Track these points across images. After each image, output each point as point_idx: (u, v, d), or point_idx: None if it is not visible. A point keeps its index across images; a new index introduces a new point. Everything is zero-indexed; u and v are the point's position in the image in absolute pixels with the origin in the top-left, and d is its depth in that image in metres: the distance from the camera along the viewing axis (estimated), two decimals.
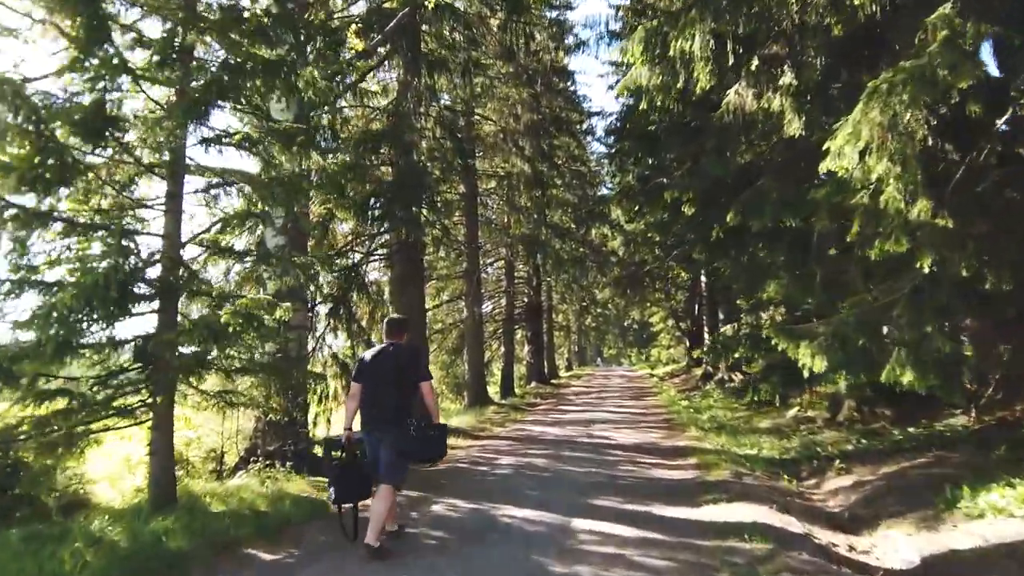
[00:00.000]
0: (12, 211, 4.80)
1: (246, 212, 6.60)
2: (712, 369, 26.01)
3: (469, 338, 19.72)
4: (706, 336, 27.29)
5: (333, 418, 10.00)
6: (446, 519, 5.89)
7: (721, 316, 24.10)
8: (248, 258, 7.19)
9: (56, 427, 4.93)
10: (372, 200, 11.04)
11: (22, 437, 4.93)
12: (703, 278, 27.40)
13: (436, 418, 4.98)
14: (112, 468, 7.65)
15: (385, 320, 5.32)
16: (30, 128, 4.54)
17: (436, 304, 20.80)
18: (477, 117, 15.30)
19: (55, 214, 5.23)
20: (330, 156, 9.11)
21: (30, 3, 5.36)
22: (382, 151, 11.40)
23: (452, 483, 7.39)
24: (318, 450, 8.38)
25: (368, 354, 5.00)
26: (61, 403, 4.93)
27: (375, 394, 4.71)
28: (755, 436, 11.15)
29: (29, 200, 4.99)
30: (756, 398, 14.90)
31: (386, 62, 12.07)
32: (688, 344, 35.63)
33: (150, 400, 5.73)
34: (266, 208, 6.98)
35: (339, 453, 5.04)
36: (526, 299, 29.76)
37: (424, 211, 12.19)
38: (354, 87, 10.93)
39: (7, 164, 4.57)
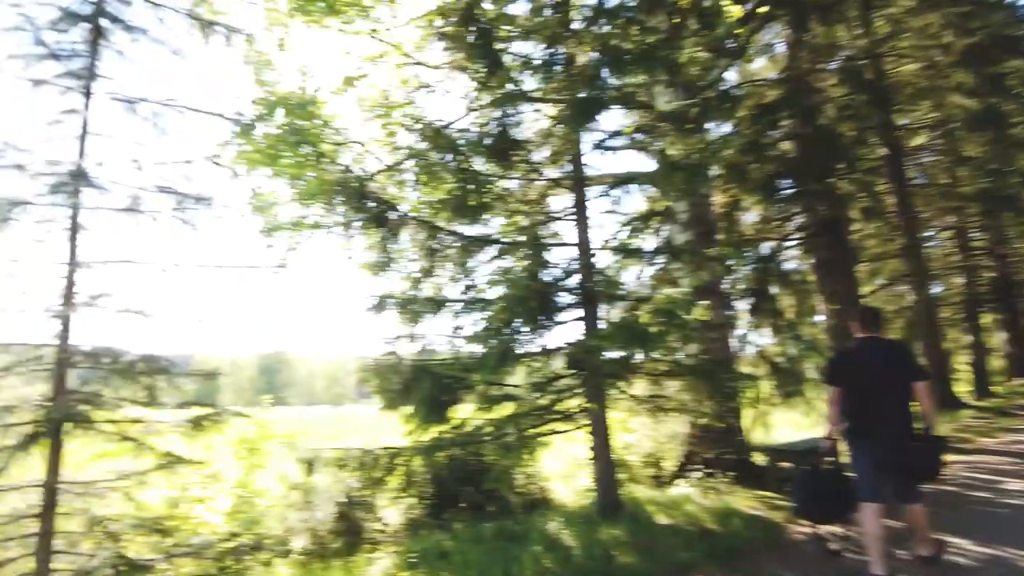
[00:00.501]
0: (453, 239, 5.39)
1: (649, 211, 6.43)
2: None
3: (919, 327, 16.39)
4: None
5: (771, 423, 9.07)
6: (952, 567, 4.41)
7: None
8: (659, 257, 6.96)
9: (509, 430, 5.28)
10: (777, 178, 9.91)
11: (485, 439, 5.40)
12: None
13: (934, 426, 4.20)
14: (563, 467, 8.09)
15: (860, 311, 4.57)
16: (451, 163, 5.02)
17: (872, 290, 17.92)
18: (891, 57, 12.65)
19: (488, 237, 5.75)
20: (725, 138, 8.43)
21: (440, 55, 6.06)
22: (781, 124, 10.17)
23: (943, 512, 5.63)
24: (760, 459, 7.60)
25: (846, 352, 4.47)
26: (510, 408, 5.27)
27: (865, 397, 4.12)
28: None
29: (466, 228, 5.58)
30: None
31: (768, 24, 10.85)
32: None
33: (586, 404, 5.83)
34: (668, 204, 6.70)
35: (819, 465, 4.58)
36: (993, 274, 23.75)
37: (840, 181, 10.49)
38: (739, 55, 10.02)
39: (442, 199, 5.13)
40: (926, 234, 21.78)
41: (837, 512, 4.41)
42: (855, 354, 4.32)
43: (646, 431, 7.97)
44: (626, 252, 6.44)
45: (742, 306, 9.07)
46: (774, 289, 10.05)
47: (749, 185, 9.78)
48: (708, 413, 7.22)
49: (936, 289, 24.37)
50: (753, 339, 9.45)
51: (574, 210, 6.06)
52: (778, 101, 10.37)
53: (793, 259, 12.41)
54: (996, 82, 11.93)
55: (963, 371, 21.34)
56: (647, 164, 9.34)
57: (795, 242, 11.76)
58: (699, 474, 6.98)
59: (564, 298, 5.81)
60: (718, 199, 10.08)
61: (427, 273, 5.75)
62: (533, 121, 6.07)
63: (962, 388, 20.42)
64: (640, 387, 6.64)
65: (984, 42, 12.35)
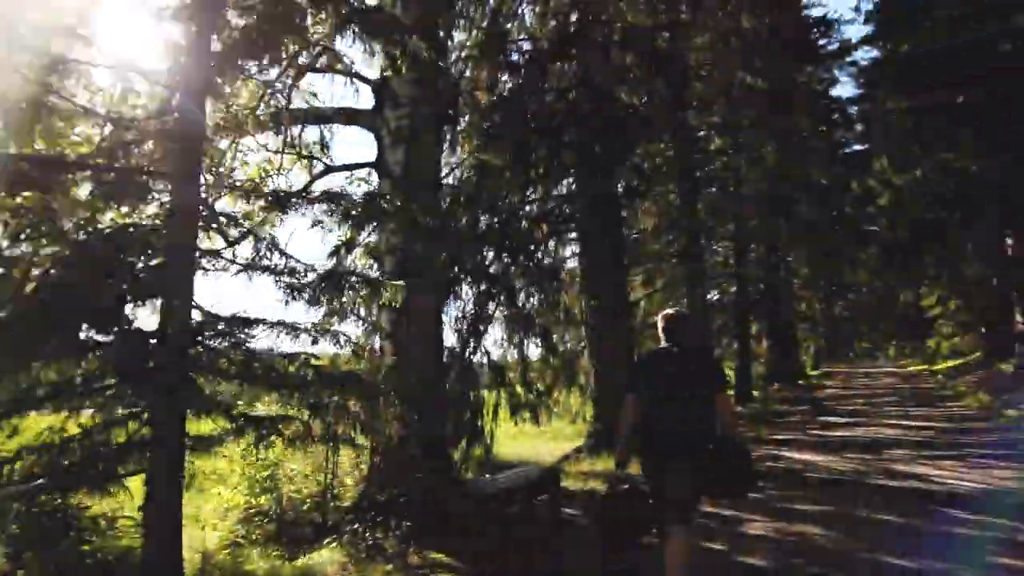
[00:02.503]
0: None
1: None
2: None
3: (691, 333, 15.90)
4: (1019, 319, 20.28)
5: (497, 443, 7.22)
6: None
7: None
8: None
9: None
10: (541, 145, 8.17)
11: None
12: (1008, 240, 20.54)
13: (734, 433, 3.95)
14: None
15: (661, 315, 4.21)
16: None
17: (648, 293, 17.28)
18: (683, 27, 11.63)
19: None
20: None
21: None
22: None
23: None
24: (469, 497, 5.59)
25: (645, 357, 4.39)
26: None
27: (661, 409, 3.79)
28: None
29: None
30: None
31: None
32: (984, 331, 27.71)
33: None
34: None
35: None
36: (762, 285, 24.87)
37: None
38: None
39: None
40: (708, 242, 22.11)
41: (639, 532, 4.03)
42: (656, 360, 4.09)
43: (310, 461, 5.62)
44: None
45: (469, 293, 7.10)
46: (519, 284, 8.26)
47: (501, 148, 7.88)
48: (392, 436, 5.12)
49: (712, 296, 25.12)
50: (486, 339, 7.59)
51: None
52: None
53: (552, 250, 10.84)
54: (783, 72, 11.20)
55: (729, 377, 21.88)
56: None
57: (556, 220, 10.14)
58: (359, 526, 4.78)
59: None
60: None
61: None
62: None
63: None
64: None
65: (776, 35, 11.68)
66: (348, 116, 6.29)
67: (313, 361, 4.10)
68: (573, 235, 11.27)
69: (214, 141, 4.79)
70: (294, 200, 4.85)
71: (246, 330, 4.24)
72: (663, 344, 4.01)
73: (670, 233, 16.61)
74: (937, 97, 11.57)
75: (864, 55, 19.35)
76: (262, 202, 4.70)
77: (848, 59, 18.41)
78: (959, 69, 10.13)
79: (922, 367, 38.04)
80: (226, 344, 3.95)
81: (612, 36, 9.44)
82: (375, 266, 6.27)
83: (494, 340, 10.37)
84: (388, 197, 5.22)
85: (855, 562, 4.49)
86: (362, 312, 5.02)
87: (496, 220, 8.74)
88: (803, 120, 15.06)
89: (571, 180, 10.48)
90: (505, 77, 9.21)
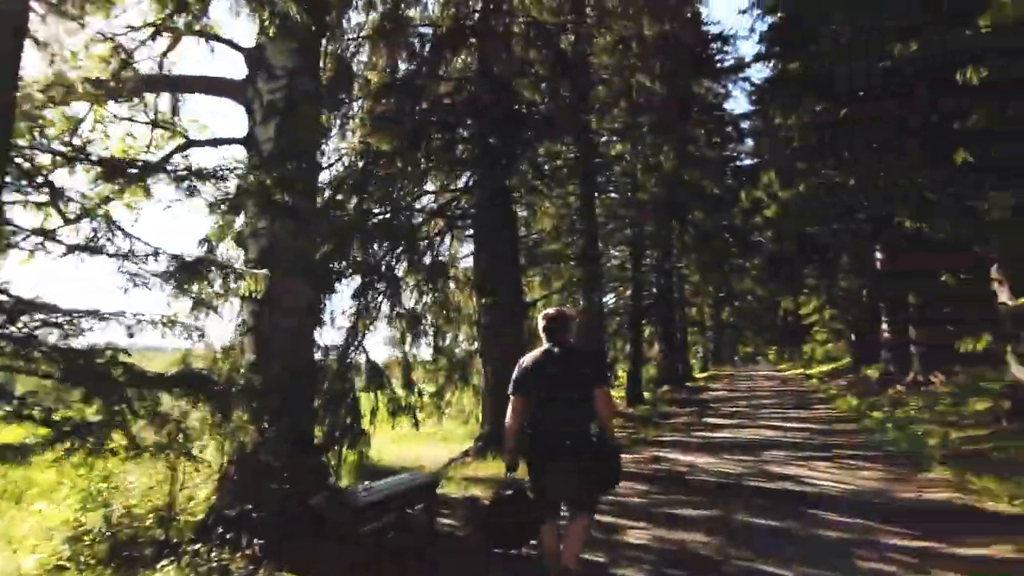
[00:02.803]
0: None
1: None
2: (893, 369, 20.64)
3: (587, 336, 15.99)
4: (884, 328, 21.85)
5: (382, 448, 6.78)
6: None
7: (912, 299, 18.69)
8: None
9: None
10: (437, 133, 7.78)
11: None
12: (878, 255, 22.11)
13: (610, 432, 3.85)
14: None
15: (541, 315, 4.16)
16: None
17: (545, 294, 17.23)
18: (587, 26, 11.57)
19: None
20: None
21: None
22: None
23: None
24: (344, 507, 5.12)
25: (529, 358, 4.00)
26: None
27: (544, 410, 3.76)
28: None
29: None
30: None
31: None
32: (854, 338, 29.82)
33: None
34: None
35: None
36: (655, 289, 25.56)
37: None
38: None
39: None
40: (607, 246, 22.42)
41: (522, 537, 3.96)
42: (540, 360, 3.92)
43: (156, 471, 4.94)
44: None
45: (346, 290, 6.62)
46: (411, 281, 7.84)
47: (394, 134, 7.44)
48: (248, 442, 4.59)
49: (608, 299, 25.57)
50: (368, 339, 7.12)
51: None
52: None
53: (449, 247, 10.51)
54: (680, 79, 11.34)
55: (621, 379, 22.26)
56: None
57: (455, 223, 9.81)
58: (204, 546, 4.21)
59: None
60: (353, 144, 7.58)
61: None
62: None
63: (619, 394, 21.37)
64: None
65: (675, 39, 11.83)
66: (212, 85, 5.63)
67: (123, 357, 3.51)
68: (470, 232, 10.97)
69: (36, 101, 4.08)
70: (139, 172, 4.24)
71: (70, 320, 3.62)
72: (545, 344, 3.95)
73: (568, 235, 16.64)
74: (820, 117, 12.05)
75: (757, 73, 20.31)
76: (99, 170, 4.05)
77: (742, 75, 19.21)
78: (844, 90, 10.54)
79: (799, 371, 40.60)
80: (34, 335, 3.32)
81: (514, 29, 9.20)
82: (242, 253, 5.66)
83: (383, 338, 9.96)
84: (252, 176, 4.67)
85: (734, 572, 4.41)
86: (217, 303, 4.44)
87: (387, 211, 8.29)
88: (698, 131, 15.43)
89: (469, 174, 10.14)
90: (402, 61, 8.78)
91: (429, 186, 10.23)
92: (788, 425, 13.00)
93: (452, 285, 10.52)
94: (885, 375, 20.99)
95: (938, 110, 8.93)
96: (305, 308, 5.47)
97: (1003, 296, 11.83)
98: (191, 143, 5.71)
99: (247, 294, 4.63)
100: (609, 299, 25.60)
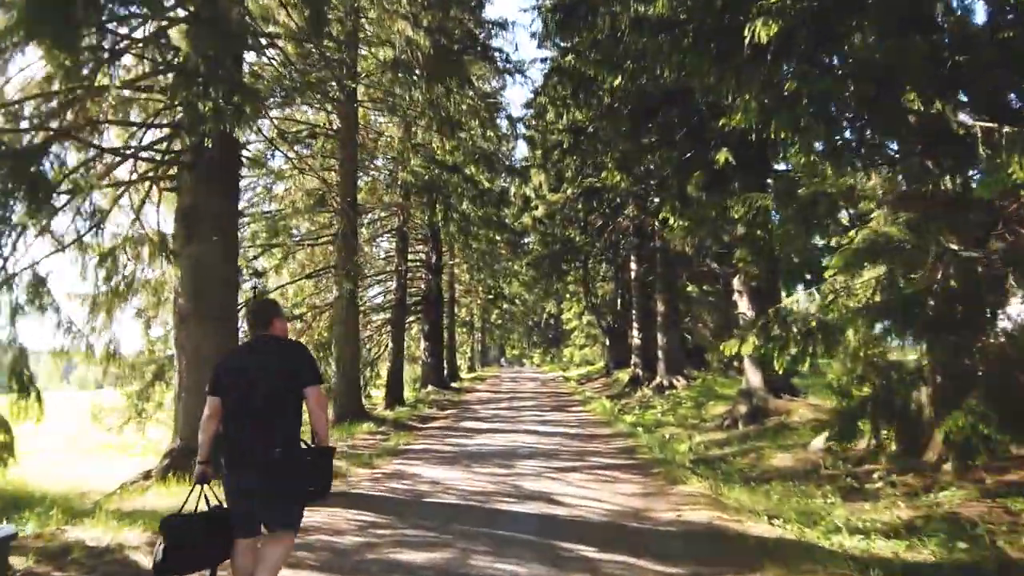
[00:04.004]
0: None
1: None
2: (641, 373, 21.77)
3: (339, 328, 14.11)
4: (635, 334, 23.02)
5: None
6: None
7: (661, 307, 19.68)
8: None
9: None
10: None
11: None
12: (633, 264, 23.28)
13: (324, 438, 3.36)
14: None
15: (250, 307, 4.09)
16: None
17: (295, 278, 15.01)
18: None
19: None
20: None
21: None
22: None
23: None
24: None
25: (229, 355, 3.78)
26: None
27: (240, 410, 3.28)
28: (804, 493, 6.45)
29: None
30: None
31: None
32: (608, 343, 31.53)
33: None
34: None
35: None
36: (424, 286, 24.36)
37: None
38: None
39: None
40: (373, 233, 20.67)
41: (209, 558, 3.34)
42: (239, 356, 3.57)
43: None
44: None
45: None
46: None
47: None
48: None
49: (374, 293, 23.84)
50: None
51: None
52: None
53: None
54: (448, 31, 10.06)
55: (384, 379, 20.69)
56: None
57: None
58: None
59: None
60: None
61: None
62: None
63: (382, 395, 19.81)
64: None
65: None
66: None
67: None
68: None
69: None
70: None
71: None
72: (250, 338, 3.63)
73: (325, 215, 14.67)
74: (594, 121, 11.62)
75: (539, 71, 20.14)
76: None
77: (523, 70, 18.82)
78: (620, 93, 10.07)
79: (559, 372, 42.38)
80: None
81: None
82: None
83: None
84: None
85: None
86: None
87: None
88: (472, 121, 14.43)
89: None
90: None
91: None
92: (546, 430, 12.38)
93: (146, 251, 8.10)
94: (634, 379, 22.05)
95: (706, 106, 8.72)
96: None
97: (742, 306, 12.40)
98: None
99: None
100: (375, 292, 23.92)
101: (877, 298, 5.18)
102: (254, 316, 3.63)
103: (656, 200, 12.15)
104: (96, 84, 7.25)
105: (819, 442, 8.45)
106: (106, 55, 6.72)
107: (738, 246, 10.54)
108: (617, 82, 7.21)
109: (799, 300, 5.63)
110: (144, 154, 8.20)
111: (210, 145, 7.24)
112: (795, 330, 5.52)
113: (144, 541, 4.93)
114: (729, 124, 6.83)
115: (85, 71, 7.48)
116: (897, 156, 6.42)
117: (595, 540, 4.86)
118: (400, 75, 11.06)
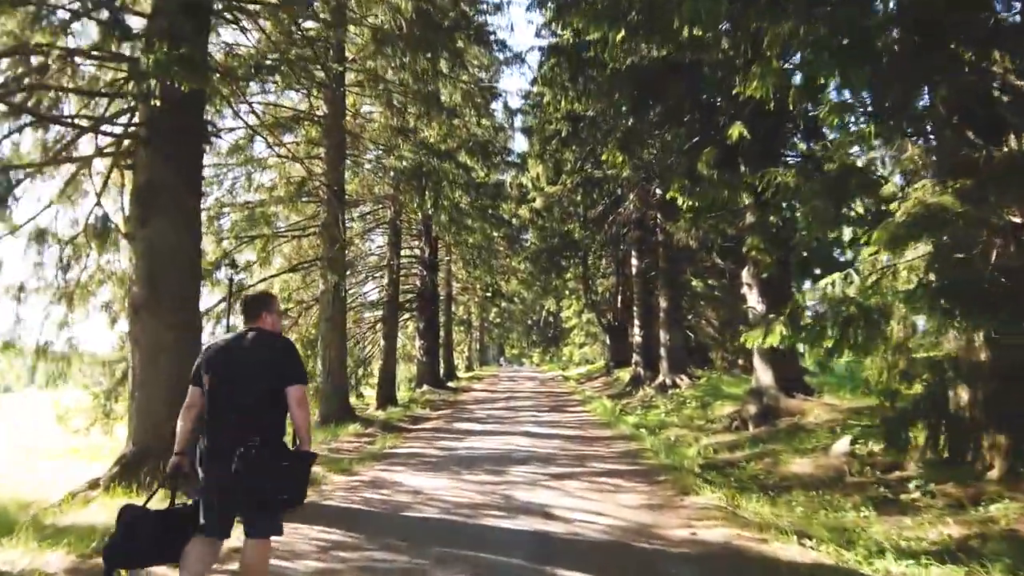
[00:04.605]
0: None
1: None
2: (643, 371, 21.00)
3: (325, 324, 13.36)
4: (636, 331, 22.26)
5: None
6: None
7: (664, 303, 18.90)
8: None
9: None
10: None
11: None
12: (634, 260, 22.53)
13: (305, 441, 3.21)
14: None
15: (244, 299, 3.72)
16: None
17: (280, 271, 14.26)
18: None
19: None
20: None
21: None
22: None
23: None
24: None
25: (214, 345, 3.40)
26: None
27: (215, 403, 3.16)
28: (831, 505, 5.71)
29: None
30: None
31: None
32: (609, 341, 30.77)
33: None
34: None
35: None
36: (419, 282, 23.62)
37: None
38: None
39: None
40: (363, 226, 19.93)
41: (161, 555, 3.27)
42: (223, 348, 3.32)
43: None
44: None
45: None
46: None
47: None
48: None
49: (368, 289, 23.08)
50: None
51: None
52: None
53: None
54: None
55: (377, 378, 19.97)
56: None
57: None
58: None
59: None
60: None
61: None
62: None
63: (374, 394, 19.09)
64: None
65: None
66: None
67: None
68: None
69: None
70: None
71: None
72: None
73: (312, 205, 13.91)
74: (595, 102, 10.84)
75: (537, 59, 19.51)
76: None
77: (520, 56, 18.05)
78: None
79: (558, 371, 41.61)
80: None
81: None
82: None
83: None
84: None
85: None
86: None
87: None
88: (466, 107, 13.68)
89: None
90: None
91: None
92: (543, 431, 11.63)
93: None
94: (635, 378, 21.28)
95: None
96: None
97: (752, 300, 11.63)
98: None
99: None
100: (369, 289, 23.17)
101: (927, 279, 4.44)
102: (244, 308, 3.53)
103: (660, 186, 11.37)
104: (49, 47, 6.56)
105: (841, 445, 7.71)
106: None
107: (749, 234, 9.82)
108: (620, 36, 6.43)
109: (834, 282, 4.88)
110: (106, 129, 7.46)
111: (157, 105, 6.52)
112: (830, 318, 4.76)
113: (65, 567, 4.20)
114: (743, 94, 6.13)
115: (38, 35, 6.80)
116: (933, 125, 5.70)
117: (596, 566, 4.11)
118: (385, 48, 10.31)
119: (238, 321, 14.95)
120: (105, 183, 8.16)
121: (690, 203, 7.63)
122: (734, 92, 6.27)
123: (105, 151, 7.37)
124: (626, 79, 8.21)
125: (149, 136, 6.79)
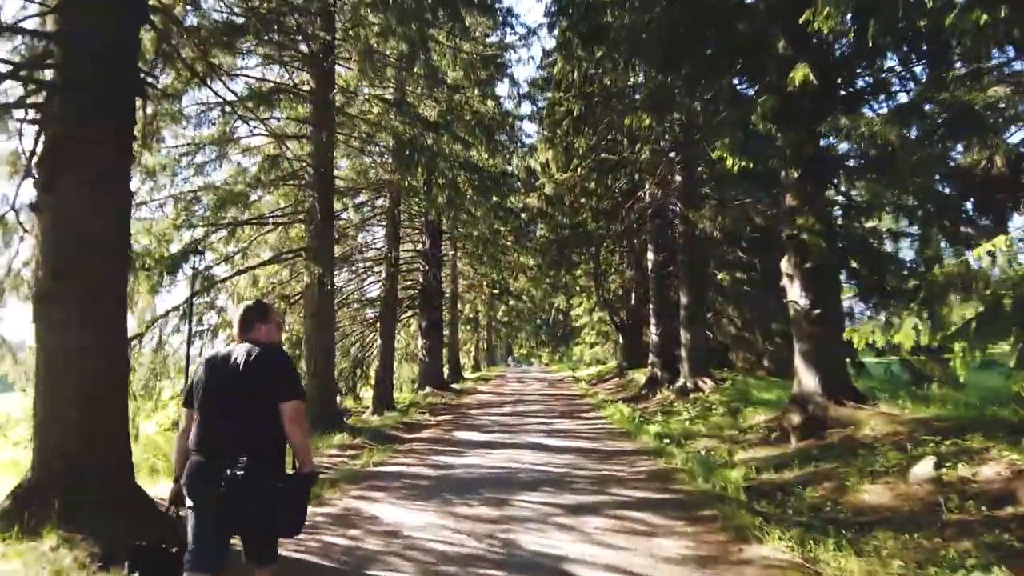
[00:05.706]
0: None
1: None
2: (660, 373, 19.52)
3: (311, 321, 11.99)
4: (652, 330, 20.78)
5: None
6: None
7: (684, 300, 17.39)
8: None
9: None
10: None
11: None
12: (650, 253, 21.06)
13: (304, 461, 2.96)
14: None
15: (242, 309, 3.30)
16: None
17: (260, 263, 12.89)
18: None
19: None
20: None
21: None
22: None
23: None
24: None
25: (206, 360, 3.16)
26: None
27: (208, 423, 2.93)
28: (937, 556, 4.27)
29: None
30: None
31: None
32: (621, 341, 29.30)
33: None
34: None
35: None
36: (422, 278, 22.27)
37: None
38: None
39: None
40: (359, 219, 18.57)
41: None
42: (217, 364, 3.04)
43: None
44: None
45: None
46: None
47: None
48: None
49: (369, 283, 21.77)
50: None
51: None
52: None
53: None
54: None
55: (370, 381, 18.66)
56: None
57: None
58: None
59: None
60: None
61: None
62: None
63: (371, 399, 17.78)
64: None
65: None
66: None
67: None
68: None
69: None
70: None
71: None
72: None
73: (298, 190, 12.55)
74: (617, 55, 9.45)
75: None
76: None
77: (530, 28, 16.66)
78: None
79: (568, 371, 40.17)
80: None
81: None
82: None
83: None
84: None
85: None
86: None
87: None
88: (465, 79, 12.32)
89: None
90: None
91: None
92: (554, 444, 10.21)
93: None
94: (652, 379, 19.81)
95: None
96: None
97: (793, 294, 10.11)
98: None
99: None
100: (368, 283, 21.83)
101: None
102: (239, 320, 3.24)
103: (704, 140, 9.84)
104: None
105: (923, 469, 6.23)
106: None
107: (796, 215, 8.36)
108: None
109: (985, 254, 3.46)
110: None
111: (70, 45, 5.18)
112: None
113: None
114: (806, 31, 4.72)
115: None
116: None
117: None
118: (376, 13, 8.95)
119: (208, 322, 13.68)
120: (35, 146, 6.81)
121: (742, 163, 6.23)
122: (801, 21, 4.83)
123: (18, 103, 6.00)
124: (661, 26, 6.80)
125: (64, 82, 5.42)
